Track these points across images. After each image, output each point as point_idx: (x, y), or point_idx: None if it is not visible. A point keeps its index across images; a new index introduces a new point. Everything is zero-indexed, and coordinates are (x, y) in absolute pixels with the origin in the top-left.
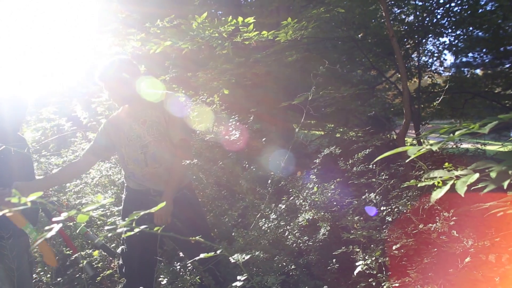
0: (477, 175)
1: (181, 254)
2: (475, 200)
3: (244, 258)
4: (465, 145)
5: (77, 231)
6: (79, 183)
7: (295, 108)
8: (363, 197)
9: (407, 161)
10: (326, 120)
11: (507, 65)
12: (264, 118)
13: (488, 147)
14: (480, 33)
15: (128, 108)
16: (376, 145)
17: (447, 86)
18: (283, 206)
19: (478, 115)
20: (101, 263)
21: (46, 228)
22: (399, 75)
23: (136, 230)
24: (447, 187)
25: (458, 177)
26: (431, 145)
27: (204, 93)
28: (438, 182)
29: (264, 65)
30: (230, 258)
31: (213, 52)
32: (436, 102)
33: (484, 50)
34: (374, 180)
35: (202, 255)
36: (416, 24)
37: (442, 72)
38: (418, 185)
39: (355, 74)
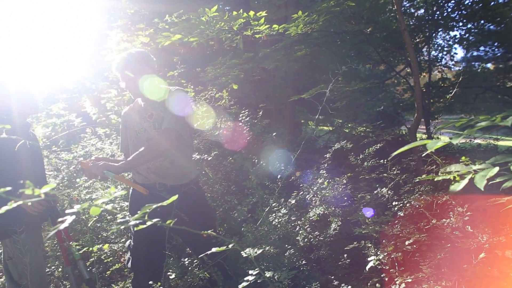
0: (496, 169)
1: (188, 250)
2: (490, 195)
3: (256, 253)
4: (476, 140)
5: (89, 225)
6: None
7: (302, 103)
8: (375, 192)
9: (424, 154)
10: (334, 115)
11: None
12: (272, 113)
13: (500, 142)
14: (492, 27)
15: (140, 101)
16: (387, 140)
17: (460, 79)
18: (293, 201)
19: (489, 110)
20: (110, 258)
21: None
22: (409, 70)
23: (149, 223)
24: (466, 181)
25: (476, 171)
26: (451, 138)
27: (213, 88)
28: (455, 177)
29: (272, 60)
30: (241, 252)
31: (221, 46)
32: (449, 95)
33: (496, 43)
34: (385, 174)
35: (214, 249)
36: (426, 17)
37: (452, 66)
38: (435, 179)
39: (363, 69)
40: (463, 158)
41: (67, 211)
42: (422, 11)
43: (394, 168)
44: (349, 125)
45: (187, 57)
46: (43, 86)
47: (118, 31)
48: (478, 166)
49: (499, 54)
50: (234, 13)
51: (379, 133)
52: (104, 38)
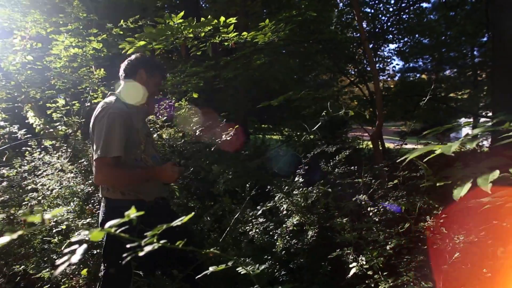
0: (497, 172)
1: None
2: (469, 196)
3: (256, 270)
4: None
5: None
6: (36, 195)
7: (252, 113)
8: (354, 198)
9: (425, 160)
10: (282, 124)
11: (448, 71)
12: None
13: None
14: (425, 41)
15: (138, 105)
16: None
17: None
18: (259, 212)
19: (427, 117)
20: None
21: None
22: (359, 79)
23: (158, 245)
24: (468, 185)
25: (473, 175)
26: (464, 143)
27: (172, 96)
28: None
29: (232, 69)
30: (238, 269)
31: (179, 55)
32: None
33: (428, 56)
34: (359, 180)
35: (211, 269)
36: (370, 30)
37: (387, 78)
38: (437, 185)
39: (309, 78)
40: (457, 163)
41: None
42: (365, 24)
43: (366, 175)
44: (298, 133)
45: None
46: None
47: (68, 35)
48: (473, 170)
49: (430, 66)
50: (203, 19)
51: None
52: (50, 42)
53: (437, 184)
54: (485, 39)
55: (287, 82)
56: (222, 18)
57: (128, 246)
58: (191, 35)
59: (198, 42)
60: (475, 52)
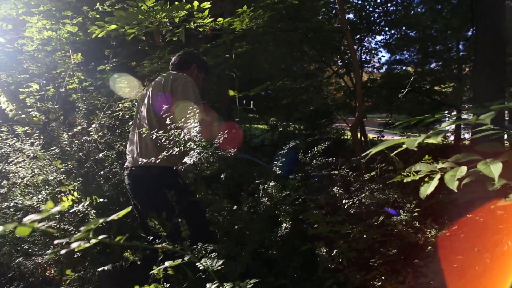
0: (465, 168)
1: None
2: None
3: (215, 265)
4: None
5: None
6: (5, 183)
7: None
8: (328, 190)
9: (392, 154)
10: (269, 114)
11: (433, 64)
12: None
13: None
14: (411, 33)
15: None
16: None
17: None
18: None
19: (411, 109)
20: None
21: None
22: (342, 70)
23: (93, 241)
24: (435, 182)
25: (442, 170)
26: (429, 136)
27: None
28: (424, 178)
29: (212, 56)
30: (198, 264)
31: (155, 41)
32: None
33: (414, 49)
34: (336, 172)
35: (167, 263)
36: (356, 21)
37: (376, 70)
38: (404, 181)
39: (296, 68)
40: (426, 157)
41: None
42: (352, 15)
43: (344, 167)
44: (284, 123)
45: (119, 51)
46: None
47: (41, 17)
48: (442, 165)
49: (416, 59)
50: (176, 3)
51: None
52: (23, 24)
53: (404, 181)
54: (469, 33)
55: (273, 71)
56: (196, 3)
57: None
58: (166, 20)
59: (173, 27)
60: (460, 46)
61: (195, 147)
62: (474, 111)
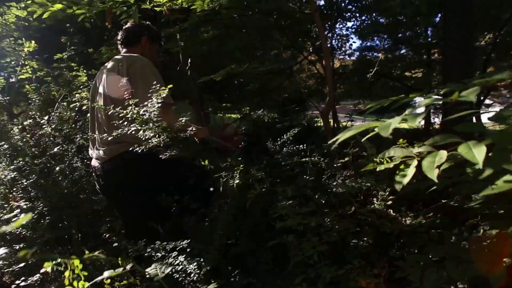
0: (445, 153)
1: None
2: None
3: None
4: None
5: None
6: None
7: (210, 92)
8: (297, 180)
9: (363, 140)
10: (241, 102)
11: (403, 50)
12: (178, 100)
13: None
14: (382, 20)
15: None
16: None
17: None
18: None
19: (383, 95)
20: None
21: None
22: (313, 57)
23: None
24: (412, 170)
25: (419, 155)
26: (405, 120)
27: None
28: (399, 165)
29: (177, 41)
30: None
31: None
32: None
33: (385, 36)
34: (307, 159)
35: (106, 274)
36: (326, 7)
37: (347, 57)
38: (377, 169)
39: (269, 55)
40: (400, 140)
41: None
42: (322, 1)
43: (315, 154)
44: (257, 112)
45: (78, 38)
46: None
47: None
48: (418, 150)
49: (387, 46)
50: None
51: (284, 120)
52: None
53: (377, 169)
54: (437, 19)
55: (244, 59)
56: None
57: None
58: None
59: (128, 8)
60: (428, 32)
61: (153, 127)
62: (449, 88)
